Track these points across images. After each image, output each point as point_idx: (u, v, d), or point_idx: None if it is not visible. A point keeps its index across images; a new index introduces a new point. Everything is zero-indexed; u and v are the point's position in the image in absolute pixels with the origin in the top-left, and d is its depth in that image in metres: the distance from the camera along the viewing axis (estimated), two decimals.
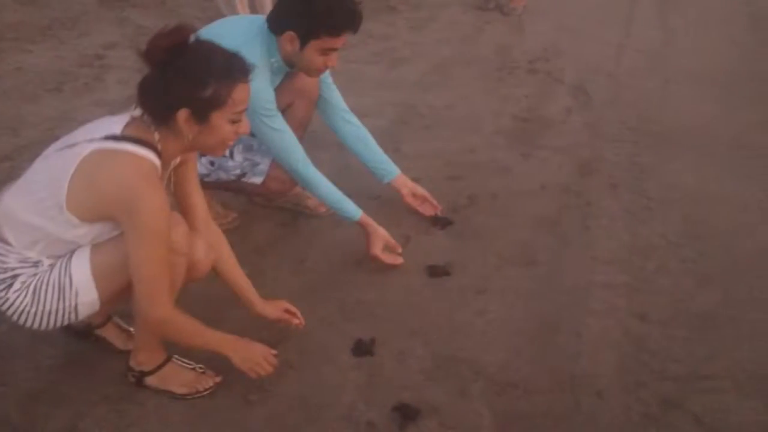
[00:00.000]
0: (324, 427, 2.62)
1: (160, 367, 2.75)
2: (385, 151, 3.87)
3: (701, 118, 5.10)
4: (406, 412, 2.64)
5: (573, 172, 4.43)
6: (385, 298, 3.32)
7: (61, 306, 2.46)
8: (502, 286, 3.41)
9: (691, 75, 5.88)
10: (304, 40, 3.18)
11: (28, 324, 2.50)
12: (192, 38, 2.31)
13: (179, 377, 2.76)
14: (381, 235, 3.49)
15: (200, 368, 2.79)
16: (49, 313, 2.47)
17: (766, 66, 6.07)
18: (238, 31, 3.23)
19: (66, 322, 2.54)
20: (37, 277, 2.45)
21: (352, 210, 3.47)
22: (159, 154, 2.38)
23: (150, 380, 2.75)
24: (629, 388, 2.76)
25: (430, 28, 7.14)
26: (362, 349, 2.98)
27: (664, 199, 4.09)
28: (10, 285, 2.44)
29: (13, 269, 2.44)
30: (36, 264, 2.45)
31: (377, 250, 3.47)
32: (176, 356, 2.79)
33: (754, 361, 2.87)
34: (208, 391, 2.74)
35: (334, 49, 3.23)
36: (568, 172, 4.45)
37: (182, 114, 2.30)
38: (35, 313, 2.47)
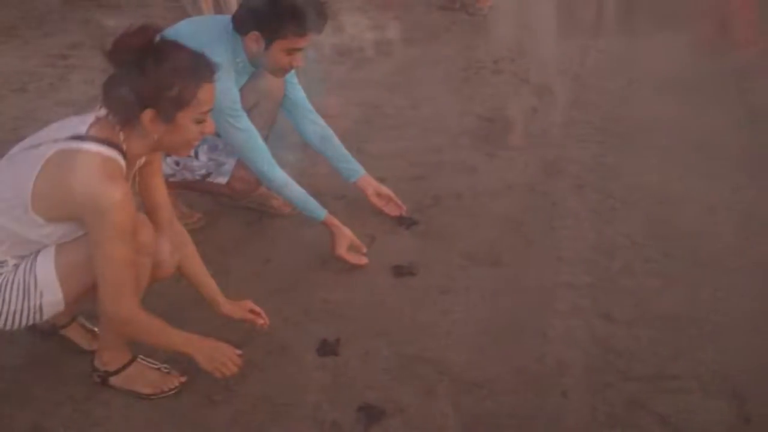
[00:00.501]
0: (288, 427, 2.62)
1: (125, 367, 2.74)
2: (350, 151, 3.88)
3: (666, 118, 5.12)
4: (370, 413, 2.64)
5: (538, 172, 4.44)
6: (350, 298, 3.33)
7: (25, 306, 2.44)
8: (467, 285, 3.41)
9: (655, 76, 5.90)
10: (269, 40, 3.19)
11: None
12: (157, 38, 2.30)
13: (144, 377, 2.75)
14: (346, 235, 3.49)
15: (165, 368, 2.79)
16: (14, 313, 2.45)
17: (730, 67, 6.10)
18: (204, 31, 3.23)
19: (31, 322, 2.52)
20: (2, 277, 2.44)
21: (317, 210, 3.47)
22: (124, 154, 2.37)
23: (115, 380, 2.74)
24: (595, 389, 2.76)
25: (395, 28, 7.15)
26: (327, 349, 2.98)
27: (629, 200, 4.10)
28: None
29: None
30: (1, 264, 2.44)
31: (342, 250, 3.48)
32: (141, 356, 2.79)
33: (718, 361, 2.87)
34: (173, 391, 2.73)
35: (299, 49, 3.24)
36: (533, 172, 4.45)
37: (147, 114, 2.28)
38: (0, 313, 2.45)
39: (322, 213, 3.47)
